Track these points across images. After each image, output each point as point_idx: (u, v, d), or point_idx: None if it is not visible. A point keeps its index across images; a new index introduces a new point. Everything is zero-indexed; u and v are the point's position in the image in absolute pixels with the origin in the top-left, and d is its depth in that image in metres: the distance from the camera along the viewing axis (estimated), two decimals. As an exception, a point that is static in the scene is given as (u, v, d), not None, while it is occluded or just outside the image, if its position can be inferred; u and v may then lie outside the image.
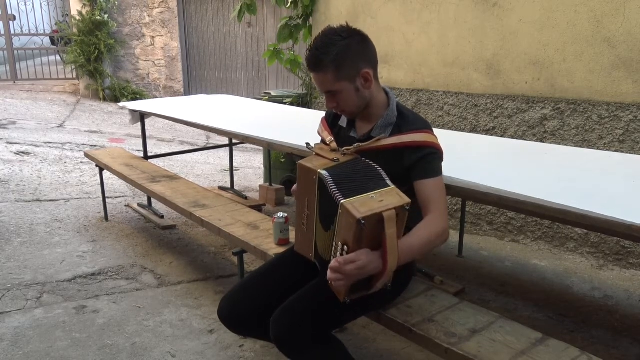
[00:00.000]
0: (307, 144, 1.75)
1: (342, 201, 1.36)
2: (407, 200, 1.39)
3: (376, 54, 1.66)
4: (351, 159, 1.60)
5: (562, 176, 1.99)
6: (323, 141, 1.80)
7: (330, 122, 1.84)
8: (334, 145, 1.68)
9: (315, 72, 1.61)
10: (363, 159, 1.60)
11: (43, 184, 4.56)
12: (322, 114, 2.02)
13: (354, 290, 1.42)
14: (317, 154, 1.64)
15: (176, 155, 5.59)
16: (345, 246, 1.38)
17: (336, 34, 1.58)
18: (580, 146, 2.99)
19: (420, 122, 1.68)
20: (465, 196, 2.11)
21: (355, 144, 1.63)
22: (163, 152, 5.22)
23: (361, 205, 1.34)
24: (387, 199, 1.38)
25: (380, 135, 1.64)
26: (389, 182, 1.48)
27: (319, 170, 1.50)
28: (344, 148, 1.64)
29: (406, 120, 1.67)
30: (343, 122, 1.79)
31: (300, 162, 1.59)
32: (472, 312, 1.63)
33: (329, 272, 1.38)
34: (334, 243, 1.43)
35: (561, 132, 3.10)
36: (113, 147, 4.89)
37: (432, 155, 1.61)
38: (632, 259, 2.99)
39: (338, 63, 1.56)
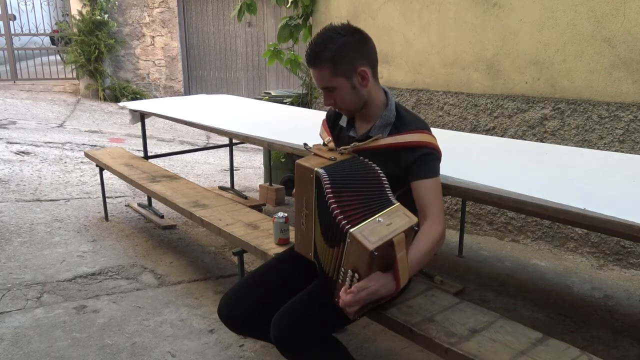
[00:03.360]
0: (305, 144, 1.76)
1: (350, 230, 1.33)
2: (414, 220, 1.39)
3: (376, 53, 1.66)
4: (348, 158, 1.61)
5: (562, 176, 1.99)
6: (324, 142, 1.81)
7: (331, 123, 1.86)
8: (331, 145, 1.70)
9: (312, 67, 1.62)
10: (361, 158, 1.60)
11: (43, 183, 4.56)
12: (322, 113, 2.03)
13: (363, 307, 1.44)
14: (315, 154, 1.64)
15: (176, 155, 5.59)
16: (356, 274, 1.37)
17: (335, 31, 1.59)
18: (580, 146, 2.99)
19: (418, 123, 1.68)
20: (465, 196, 2.11)
21: (353, 144, 1.64)
22: (163, 152, 5.22)
23: (370, 233, 1.32)
24: (394, 221, 1.36)
25: (378, 135, 1.64)
26: (386, 184, 1.48)
27: (315, 169, 1.51)
28: (342, 147, 1.65)
29: (404, 120, 1.67)
30: (343, 121, 1.80)
31: (298, 161, 1.60)
32: (472, 312, 1.63)
33: (341, 302, 1.39)
34: (343, 269, 1.42)
35: (561, 132, 3.10)
36: (113, 147, 4.88)
37: (428, 156, 1.61)
38: (632, 259, 2.99)
39: (335, 59, 1.57)
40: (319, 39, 1.60)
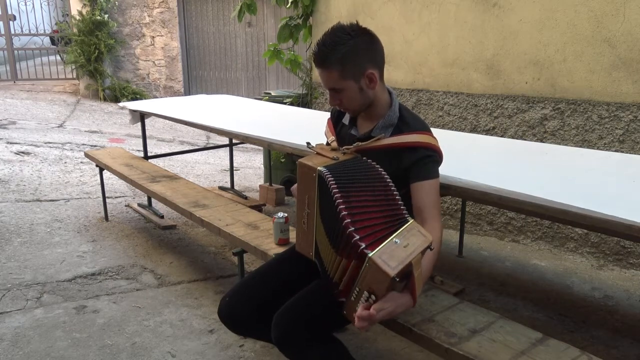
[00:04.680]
0: (308, 143, 1.76)
1: (370, 255, 1.29)
2: (430, 238, 1.37)
3: (383, 54, 1.66)
4: (351, 158, 1.60)
5: (562, 176, 1.99)
6: (327, 142, 1.81)
7: (335, 120, 1.85)
8: (334, 144, 1.69)
9: (321, 68, 1.61)
10: (364, 158, 1.60)
11: (43, 184, 4.56)
12: (322, 113, 2.02)
13: None
14: (318, 153, 1.64)
15: (176, 155, 5.59)
16: (373, 295, 1.35)
17: (345, 32, 1.57)
18: (580, 146, 2.99)
19: (420, 124, 1.69)
20: (465, 196, 2.11)
21: (355, 143, 1.64)
22: (163, 152, 5.22)
23: (390, 257, 1.29)
24: (411, 241, 1.34)
25: (380, 135, 1.64)
26: (392, 185, 1.47)
27: (318, 168, 1.50)
28: (344, 147, 1.64)
29: (406, 121, 1.67)
30: (346, 119, 1.80)
31: (300, 160, 1.59)
32: (472, 312, 1.63)
33: (357, 320, 1.35)
34: (357, 288, 1.39)
35: (561, 132, 3.10)
36: (113, 147, 4.88)
37: (428, 158, 1.61)
38: (632, 259, 2.99)
39: (344, 62, 1.56)
40: (328, 39, 1.58)
